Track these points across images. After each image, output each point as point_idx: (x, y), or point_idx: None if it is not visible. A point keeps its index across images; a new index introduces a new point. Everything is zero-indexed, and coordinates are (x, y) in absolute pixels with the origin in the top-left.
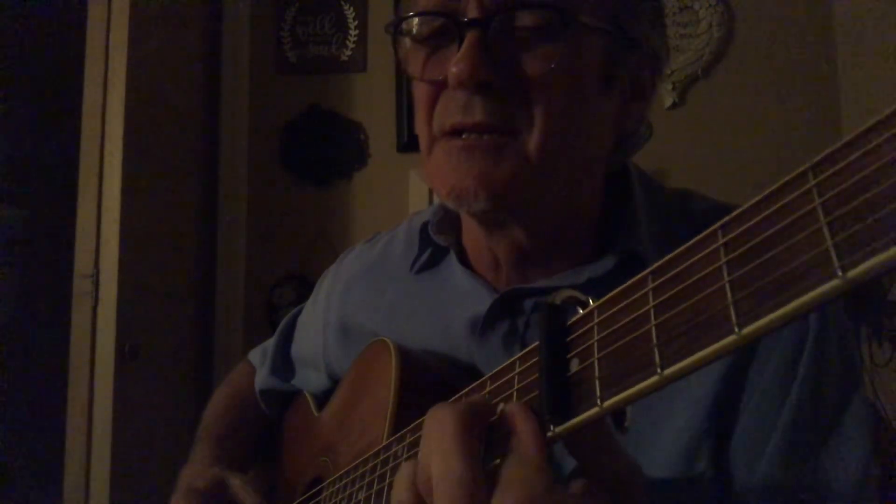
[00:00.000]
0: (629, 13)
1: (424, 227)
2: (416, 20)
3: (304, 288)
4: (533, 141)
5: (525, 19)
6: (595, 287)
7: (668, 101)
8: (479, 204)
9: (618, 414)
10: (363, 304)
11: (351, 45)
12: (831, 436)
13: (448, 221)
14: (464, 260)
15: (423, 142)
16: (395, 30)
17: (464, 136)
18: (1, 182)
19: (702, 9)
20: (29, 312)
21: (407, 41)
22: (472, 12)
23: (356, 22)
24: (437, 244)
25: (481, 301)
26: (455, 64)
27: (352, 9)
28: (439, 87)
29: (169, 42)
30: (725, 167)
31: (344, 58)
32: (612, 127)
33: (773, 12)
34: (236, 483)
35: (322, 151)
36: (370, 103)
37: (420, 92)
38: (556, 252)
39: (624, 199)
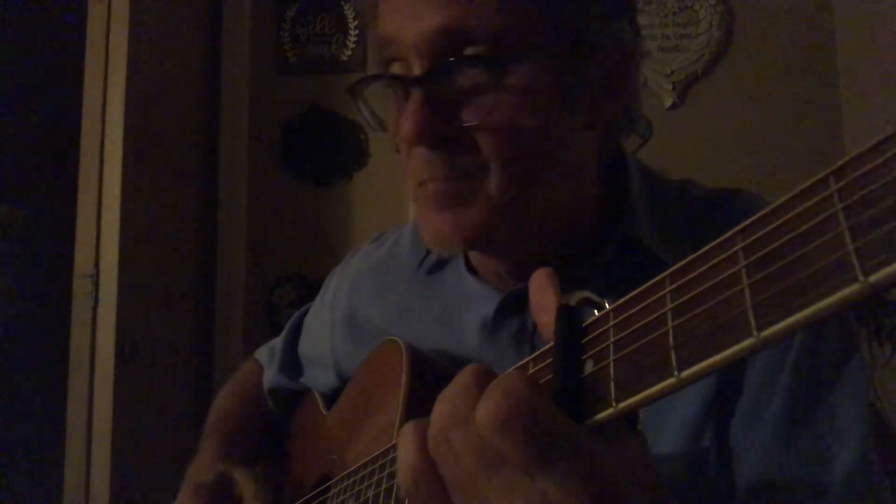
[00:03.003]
0: (580, 20)
1: None
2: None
3: (304, 288)
4: (493, 184)
5: (461, 74)
6: (597, 276)
7: (668, 101)
8: (456, 248)
9: (630, 416)
10: (371, 301)
11: (351, 45)
12: (828, 407)
13: None
14: (469, 263)
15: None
16: (357, 92)
17: (431, 186)
18: (1, 182)
19: (702, 9)
20: (29, 312)
21: (370, 98)
22: (416, 69)
23: (356, 22)
24: None
25: (489, 302)
26: (403, 122)
27: (352, 9)
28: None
29: (169, 42)
30: (725, 167)
31: (344, 58)
32: (586, 130)
33: (773, 12)
34: (242, 476)
35: (322, 151)
36: None
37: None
38: (555, 255)
39: (622, 187)
